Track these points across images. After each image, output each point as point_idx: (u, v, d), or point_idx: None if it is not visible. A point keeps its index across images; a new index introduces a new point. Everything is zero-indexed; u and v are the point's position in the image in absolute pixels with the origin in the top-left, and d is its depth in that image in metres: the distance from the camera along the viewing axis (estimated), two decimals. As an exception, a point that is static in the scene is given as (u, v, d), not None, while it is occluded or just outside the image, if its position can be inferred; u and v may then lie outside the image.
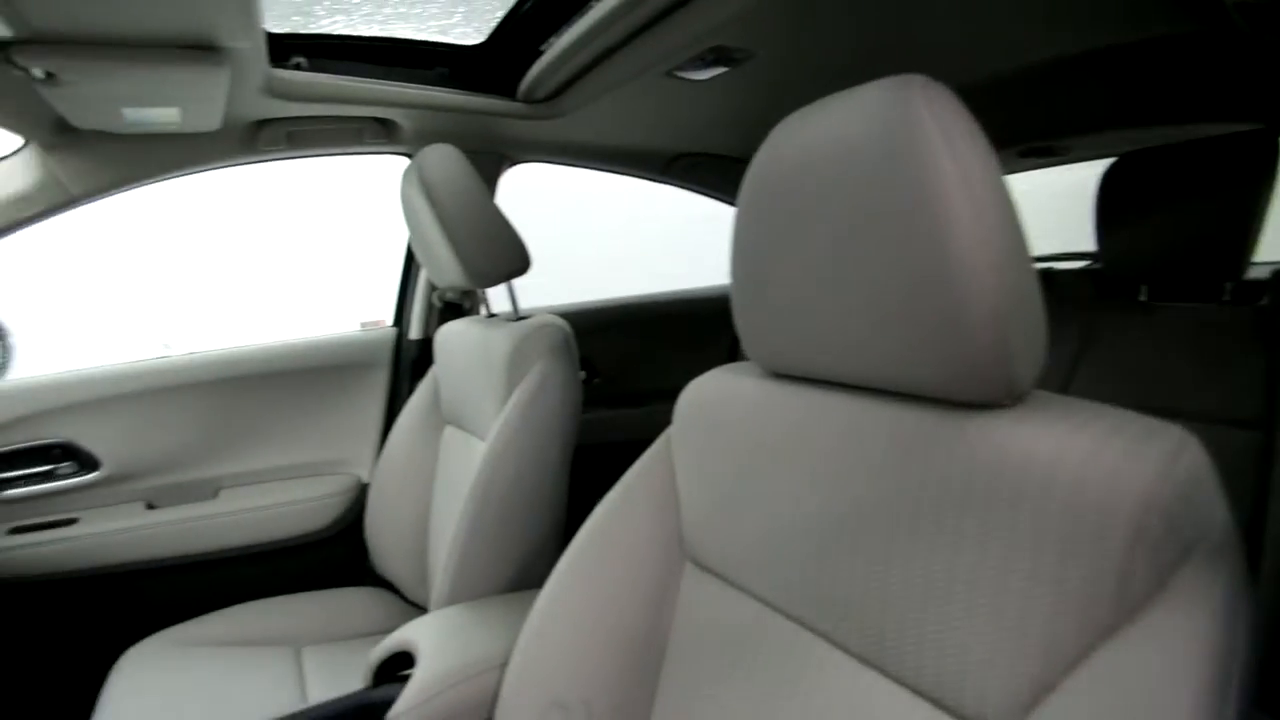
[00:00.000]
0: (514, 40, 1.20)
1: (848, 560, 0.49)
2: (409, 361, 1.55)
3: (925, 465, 0.45)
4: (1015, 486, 0.40)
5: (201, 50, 0.83)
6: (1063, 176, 1.72)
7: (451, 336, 1.25)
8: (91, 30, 0.74)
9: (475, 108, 1.28)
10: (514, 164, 1.54)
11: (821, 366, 0.51)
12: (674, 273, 2.13)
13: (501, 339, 1.05)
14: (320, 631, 1.22)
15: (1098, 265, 1.27)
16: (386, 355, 1.54)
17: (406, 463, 1.31)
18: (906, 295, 0.42)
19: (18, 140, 1.13)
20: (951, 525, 0.43)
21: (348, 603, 1.32)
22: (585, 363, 1.65)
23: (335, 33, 1.14)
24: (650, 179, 1.76)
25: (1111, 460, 0.37)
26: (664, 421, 0.69)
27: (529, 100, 1.28)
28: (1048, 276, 1.34)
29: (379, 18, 1.13)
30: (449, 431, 1.28)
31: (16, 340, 1.32)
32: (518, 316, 1.14)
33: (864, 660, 0.49)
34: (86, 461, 1.30)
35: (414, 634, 0.83)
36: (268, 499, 1.41)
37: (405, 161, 1.25)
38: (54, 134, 1.08)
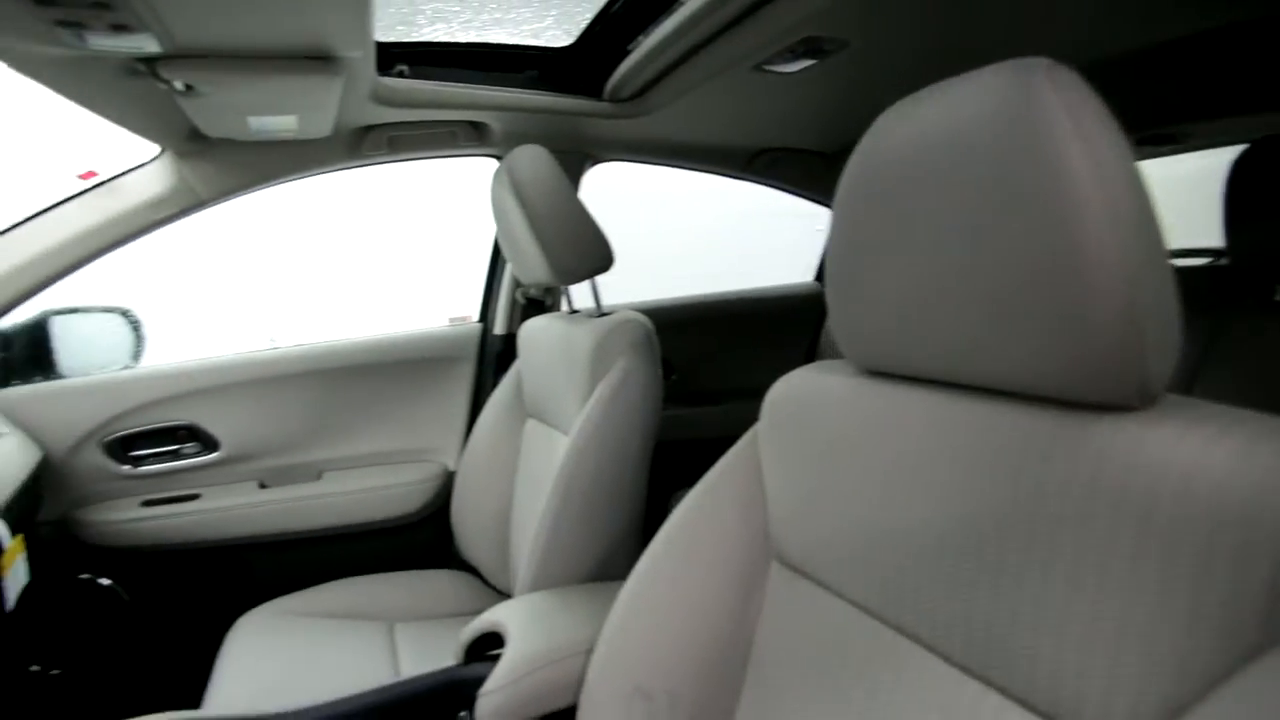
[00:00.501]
0: (602, 41, 1.22)
1: (952, 566, 0.47)
2: (493, 356, 1.60)
3: (1043, 470, 0.42)
4: (1146, 496, 0.38)
5: (319, 60, 0.89)
6: (1181, 166, 1.59)
7: (535, 332, 1.28)
8: (225, 44, 0.81)
9: (562, 108, 1.31)
10: (596, 163, 1.56)
11: (926, 364, 0.49)
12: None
13: (585, 335, 1.07)
14: (410, 609, 1.29)
15: (1224, 262, 1.17)
16: (472, 349, 1.61)
17: (490, 454, 1.36)
18: (1029, 289, 0.40)
19: (154, 149, 1.25)
20: (1071, 534, 0.41)
21: (435, 584, 1.38)
22: (662, 360, 1.66)
23: (434, 40, 1.20)
24: (730, 176, 1.75)
25: (1257, 471, 0.35)
26: (741, 420, 0.69)
27: (614, 99, 1.30)
28: None
29: (476, 24, 1.18)
30: (531, 425, 1.32)
31: (146, 331, 1.45)
32: (600, 313, 1.16)
33: (968, 670, 0.47)
34: (208, 442, 1.42)
35: (502, 616, 0.86)
36: (364, 483, 1.50)
37: (490, 164, 1.29)
38: (186, 142, 1.19)
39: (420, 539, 1.53)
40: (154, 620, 1.38)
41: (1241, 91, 1.14)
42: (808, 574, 0.61)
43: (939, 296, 0.46)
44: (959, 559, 0.47)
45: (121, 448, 1.35)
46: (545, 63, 1.30)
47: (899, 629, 0.52)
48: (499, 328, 1.61)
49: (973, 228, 0.43)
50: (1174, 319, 0.40)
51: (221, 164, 1.26)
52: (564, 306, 1.31)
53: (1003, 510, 0.44)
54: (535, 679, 0.76)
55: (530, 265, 1.16)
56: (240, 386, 1.42)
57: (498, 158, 1.44)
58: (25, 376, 1.31)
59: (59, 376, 1.34)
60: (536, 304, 1.60)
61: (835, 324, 0.57)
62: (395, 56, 1.18)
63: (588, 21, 1.19)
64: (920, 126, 0.46)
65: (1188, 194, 1.28)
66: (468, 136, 1.38)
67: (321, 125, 1.14)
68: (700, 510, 0.69)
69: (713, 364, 1.86)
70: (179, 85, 0.86)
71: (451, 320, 1.70)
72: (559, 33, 1.24)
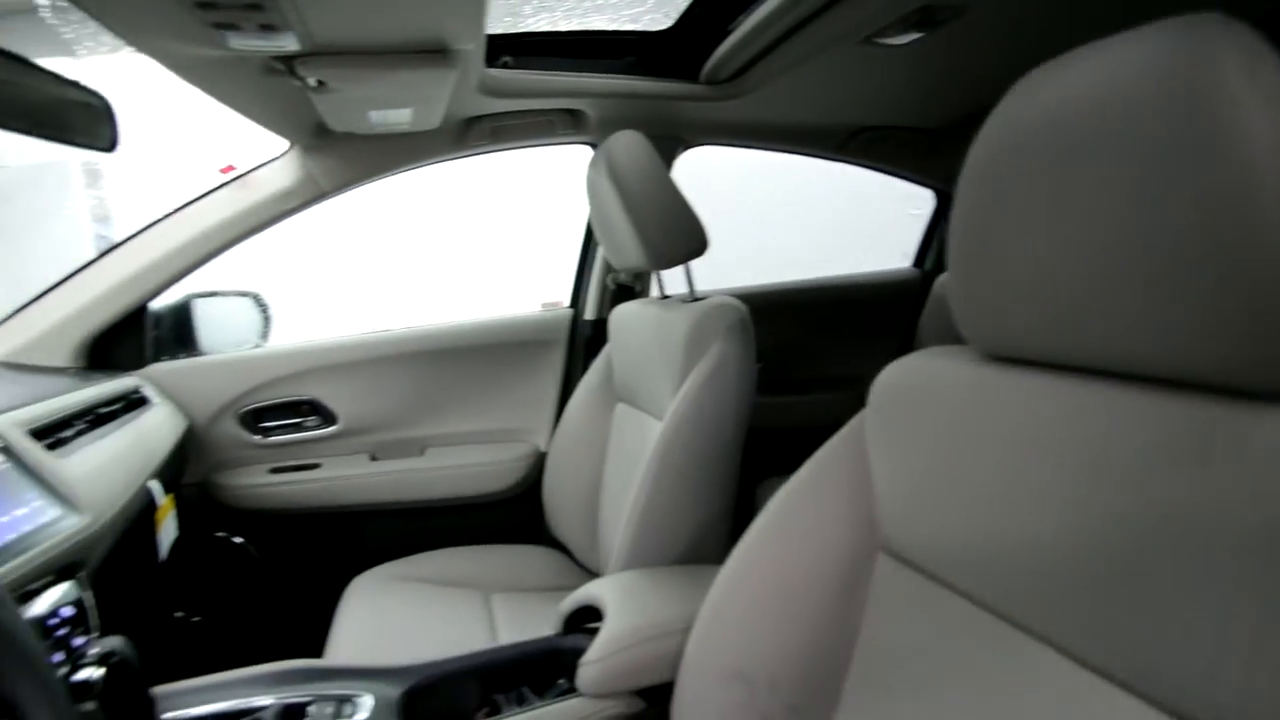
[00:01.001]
0: (702, 23, 1.21)
1: (1089, 570, 0.44)
2: (584, 340, 1.64)
3: (1203, 466, 0.39)
4: None
5: (434, 54, 0.93)
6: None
7: (627, 317, 1.30)
8: (355, 41, 0.86)
9: (658, 93, 1.31)
10: (688, 148, 1.56)
11: (1069, 348, 0.46)
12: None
13: (679, 320, 1.08)
14: (504, 581, 1.35)
15: None
16: (563, 334, 1.65)
17: (580, 436, 1.39)
18: (1199, 265, 0.37)
19: (282, 145, 1.36)
20: (1232, 539, 0.37)
21: (527, 558, 1.44)
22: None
23: (538, 29, 1.23)
24: (825, 157, 1.69)
25: None
26: (828, 410, 0.67)
27: (712, 82, 1.29)
28: None
29: (579, 11, 1.20)
30: (621, 408, 1.34)
31: (273, 313, 1.58)
32: (694, 298, 1.16)
33: (1107, 675, 0.44)
34: (327, 416, 1.53)
35: (600, 591, 0.89)
36: (461, 459, 1.58)
37: (582, 151, 1.31)
38: (312, 136, 1.28)
39: (513, 515, 1.60)
40: (279, 577, 1.51)
41: None
42: (919, 567, 0.59)
43: (1091, 275, 0.42)
44: (1096, 562, 0.44)
45: (253, 419, 1.49)
46: (643, 47, 1.30)
47: (1026, 629, 0.50)
48: (589, 313, 1.64)
49: (1135, 200, 0.39)
50: None
51: (342, 157, 1.35)
52: (654, 292, 1.31)
53: (1151, 513, 0.41)
54: (634, 653, 0.78)
55: (625, 250, 1.17)
56: (354, 366, 1.53)
57: (592, 145, 1.46)
58: (172, 353, 1.46)
59: (199, 354, 1.49)
60: (626, 290, 1.62)
61: (959, 306, 0.54)
62: (500, 47, 1.22)
63: (688, 3, 1.19)
64: (1069, 92, 0.43)
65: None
66: (565, 124, 1.40)
67: (432, 117, 1.19)
68: (802, 497, 0.68)
69: (800, 352, 1.82)
70: (312, 82, 0.93)
71: (544, 305, 1.75)
72: (658, 16, 1.24)
